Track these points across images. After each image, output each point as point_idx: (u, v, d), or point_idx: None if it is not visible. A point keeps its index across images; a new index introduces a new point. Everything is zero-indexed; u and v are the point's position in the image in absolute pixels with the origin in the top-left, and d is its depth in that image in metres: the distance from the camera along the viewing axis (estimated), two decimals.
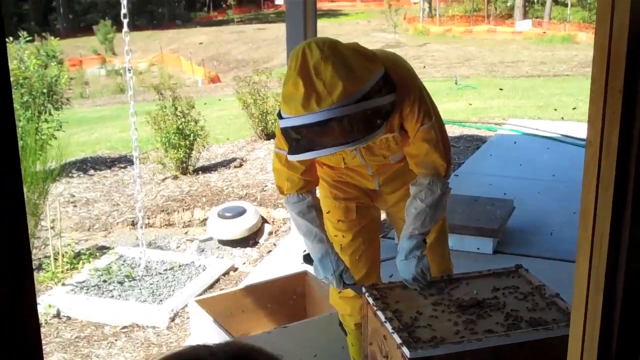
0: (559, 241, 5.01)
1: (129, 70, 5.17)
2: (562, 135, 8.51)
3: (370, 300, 2.64)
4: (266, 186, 7.11)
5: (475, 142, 8.68)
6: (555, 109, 10.99)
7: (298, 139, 2.38)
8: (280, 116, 2.40)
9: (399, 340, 2.33)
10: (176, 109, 7.66)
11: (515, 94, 13.73)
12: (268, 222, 6.44)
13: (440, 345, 2.30)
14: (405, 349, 2.28)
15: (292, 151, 2.43)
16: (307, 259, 2.92)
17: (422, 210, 2.65)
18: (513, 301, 2.60)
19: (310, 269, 3.16)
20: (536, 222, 5.48)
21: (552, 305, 2.56)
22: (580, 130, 8.24)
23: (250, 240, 6.13)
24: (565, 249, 4.75)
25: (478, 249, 4.88)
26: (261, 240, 6.16)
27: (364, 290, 2.73)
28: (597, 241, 1.34)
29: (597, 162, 1.34)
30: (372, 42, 32.96)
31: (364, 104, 2.30)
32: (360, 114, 2.31)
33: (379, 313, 2.53)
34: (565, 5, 41.07)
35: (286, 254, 5.30)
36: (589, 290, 1.34)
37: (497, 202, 5.39)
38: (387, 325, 2.44)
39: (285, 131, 2.41)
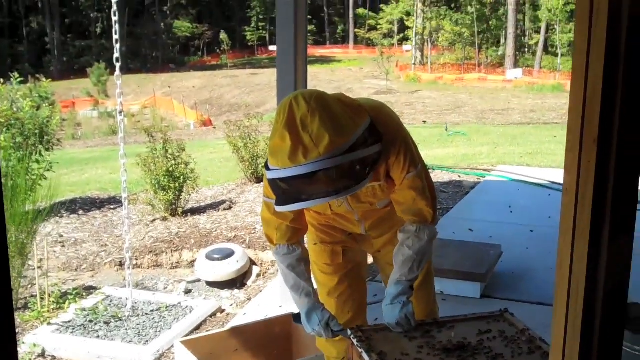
0: (545, 286, 5.03)
1: (120, 112, 5.22)
2: (550, 182, 8.59)
3: (355, 341, 2.65)
4: (255, 228, 7.13)
5: (463, 188, 8.74)
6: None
7: (286, 190, 2.42)
8: (267, 167, 2.44)
9: None
10: (167, 151, 7.71)
11: (505, 141, 13.87)
12: (256, 264, 6.44)
13: None
14: None
15: (280, 202, 2.46)
16: (297, 318, 2.92)
17: (409, 257, 2.69)
18: (498, 345, 2.61)
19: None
20: (524, 267, 5.50)
21: (537, 349, 2.58)
22: None
23: (238, 282, 6.12)
24: (552, 294, 4.77)
25: (465, 293, 4.90)
26: (249, 282, 6.16)
27: (349, 332, 2.74)
28: (574, 290, 1.37)
29: (573, 209, 1.38)
30: (365, 88, 33.29)
31: (351, 155, 2.33)
32: (347, 165, 2.34)
33: (364, 355, 2.54)
34: (556, 55, 41.69)
35: (274, 296, 5.29)
36: (566, 335, 1.36)
37: (485, 247, 5.42)
38: None
39: (273, 182, 2.44)
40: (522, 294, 4.97)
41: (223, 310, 5.43)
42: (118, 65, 4.86)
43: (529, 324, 2.78)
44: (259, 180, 9.16)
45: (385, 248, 2.97)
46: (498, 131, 16.05)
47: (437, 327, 2.77)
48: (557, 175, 8.85)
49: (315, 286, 2.96)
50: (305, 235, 3.01)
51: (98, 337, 4.82)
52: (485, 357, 2.52)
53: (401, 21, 57.46)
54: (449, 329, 2.76)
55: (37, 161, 7.51)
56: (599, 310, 1.34)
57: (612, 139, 1.33)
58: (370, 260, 3.31)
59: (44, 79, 11.83)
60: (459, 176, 9.57)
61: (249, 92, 35.13)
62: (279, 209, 2.49)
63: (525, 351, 2.56)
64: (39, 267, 5.64)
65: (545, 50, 44.53)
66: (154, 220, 7.78)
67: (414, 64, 44.63)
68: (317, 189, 2.36)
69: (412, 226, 2.71)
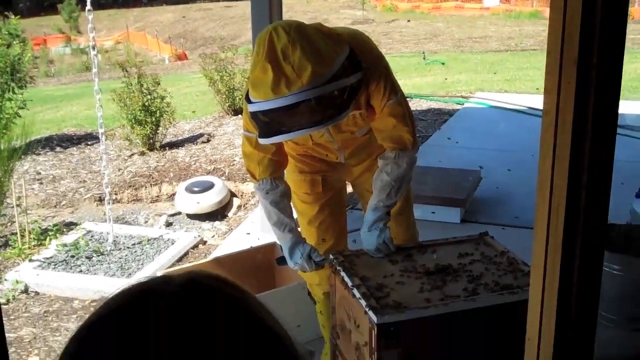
0: (524, 210, 5.10)
1: (93, 48, 5.14)
2: (529, 107, 8.61)
3: (337, 266, 2.68)
4: (234, 161, 7.12)
5: (442, 116, 8.76)
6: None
7: (268, 122, 2.40)
8: (248, 100, 2.41)
9: (366, 306, 2.37)
10: (142, 86, 7.61)
11: (482, 69, 13.83)
12: (236, 196, 6.45)
13: (407, 310, 2.34)
14: (372, 315, 2.32)
15: (263, 135, 2.45)
16: (280, 261, 2.94)
17: (387, 183, 2.71)
18: (478, 267, 2.66)
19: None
20: (502, 191, 5.57)
21: (517, 270, 2.63)
22: None
23: (218, 214, 6.14)
24: (530, 218, 4.84)
25: (445, 218, 4.96)
26: (230, 214, 6.18)
27: (331, 256, 2.78)
28: (555, 207, 1.38)
29: (553, 131, 1.38)
30: (341, 19, 32.85)
31: (333, 84, 2.32)
32: (329, 95, 2.33)
33: (347, 279, 2.57)
34: None
35: (255, 226, 5.33)
36: (547, 253, 1.39)
37: (464, 173, 5.48)
38: (355, 291, 2.48)
39: (254, 115, 2.42)
40: (501, 218, 5.04)
41: (205, 242, 5.47)
42: (89, 0, 4.79)
43: (509, 247, 2.82)
44: (236, 112, 9.10)
45: (363, 175, 2.99)
46: (476, 59, 15.97)
47: (418, 251, 2.81)
48: (535, 101, 8.87)
49: (295, 217, 2.98)
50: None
51: (81, 271, 4.85)
52: (467, 279, 2.56)
53: None
54: (430, 253, 2.80)
55: (10, 99, 7.39)
56: (579, 229, 1.36)
57: (592, 60, 1.33)
58: (349, 189, 3.32)
59: (12, 16, 11.52)
60: (437, 104, 9.57)
61: (224, 25, 34.53)
62: (262, 141, 2.48)
63: (505, 272, 2.61)
64: (17, 205, 5.62)
65: None
66: (132, 154, 7.73)
67: None
68: (300, 120, 2.35)
69: (392, 153, 2.72)
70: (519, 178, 5.83)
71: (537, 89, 9.94)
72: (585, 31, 1.31)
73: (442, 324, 2.38)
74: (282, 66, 2.28)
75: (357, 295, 2.47)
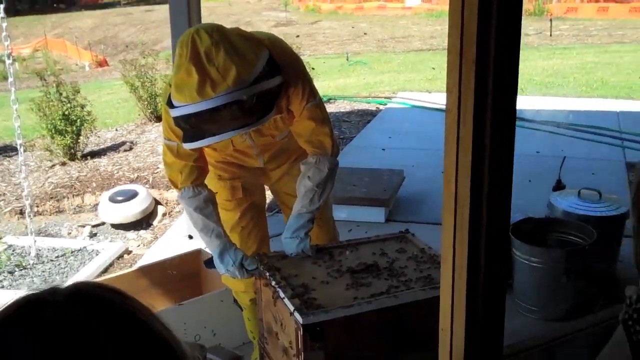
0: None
1: (9, 56, 5.03)
2: None
3: (262, 268, 2.70)
4: (157, 168, 7.05)
5: (366, 116, 8.86)
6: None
7: (194, 126, 2.39)
8: (171, 105, 2.40)
9: (291, 308, 2.39)
10: (61, 94, 7.46)
11: (405, 69, 14.04)
12: (161, 204, 6.39)
13: (332, 309, 2.38)
14: (297, 316, 2.35)
15: (188, 139, 2.44)
16: (209, 263, 2.91)
17: (310, 188, 2.74)
18: (401, 263, 2.72)
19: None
20: (425, 190, 5.68)
21: (437, 265, 2.69)
22: None
23: (143, 222, 6.07)
24: None
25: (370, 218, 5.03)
26: (155, 222, 6.12)
27: (255, 258, 2.80)
28: (460, 200, 1.44)
29: (456, 128, 1.43)
30: (264, 21, 32.81)
31: (257, 87, 2.35)
32: (254, 97, 2.35)
33: (272, 281, 2.59)
34: None
35: (180, 234, 5.30)
36: (455, 245, 1.44)
37: (387, 173, 5.56)
38: (280, 292, 2.51)
39: (180, 119, 2.40)
40: (423, 216, 5.14)
41: (130, 252, 5.40)
42: (2, 6, 4.67)
43: (432, 244, 2.88)
44: (158, 119, 9.00)
45: (282, 179, 3.02)
46: (399, 59, 16.21)
47: (341, 251, 2.85)
48: None
49: None
50: None
51: (2, 287, 4.73)
52: (389, 276, 2.61)
53: None
54: (355, 252, 2.85)
55: None
56: (484, 216, 1.42)
57: (489, 59, 1.38)
58: (269, 195, 3.35)
59: None
60: (360, 105, 9.67)
61: (145, 29, 34.04)
62: (187, 146, 2.47)
63: (426, 267, 2.68)
64: None
65: None
66: (53, 165, 7.57)
67: None
68: (226, 123, 2.36)
69: (313, 158, 2.76)
70: (440, 176, 5.95)
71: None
72: (482, 32, 1.36)
73: (366, 321, 2.43)
74: (207, 68, 2.29)
75: (282, 296, 2.49)
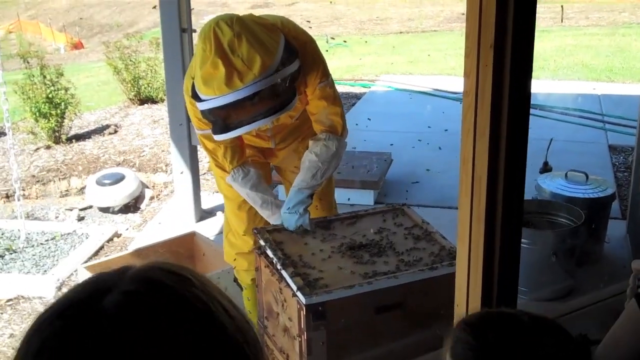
0: (434, 189, 5.28)
1: None
2: (433, 89, 8.85)
3: (263, 242, 2.73)
4: (143, 151, 7.03)
5: (350, 100, 8.87)
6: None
7: (223, 118, 2.45)
8: (198, 99, 2.44)
9: (294, 287, 2.43)
10: (44, 77, 7.40)
11: (386, 51, 14.05)
12: (149, 187, 6.39)
13: (334, 290, 2.43)
14: (300, 296, 2.39)
15: (218, 131, 2.50)
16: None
17: (314, 163, 2.78)
18: (400, 240, 2.76)
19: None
20: (413, 172, 5.73)
21: (434, 241, 2.75)
22: (450, 83, 8.61)
23: (131, 206, 6.06)
24: (441, 197, 5.02)
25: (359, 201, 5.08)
26: (143, 206, 6.11)
27: (254, 231, 2.83)
28: (477, 182, 1.48)
29: (473, 111, 1.48)
30: (240, 2, 32.61)
31: (281, 73, 2.42)
32: (279, 84, 2.43)
33: (274, 259, 2.62)
34: None
35: (170, 217, 5.31)
36: (472, 223, 1.49)
37: (375, 155, 5.60)
38: (283, 272, 2.54)
39: (209, 112, 2.47)
40: (412, 198, 5.19)
41: (119, 235, 5.40)
42: None
43: None
44: (142, 102, 8.96)
45: (289, 156, 3.06)
46: (378, 41, 16.21)
47: (340, 222, 2.89)
48: (439, 82, 9.11)
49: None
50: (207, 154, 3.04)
51: None
52: (390, 253, 2.66)
53: None
54: (353, 226, 2.88)
55: None
56: (500, 198, 1.47)
57: (507, 44, 1.43)
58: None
59: None
60: (344, 88, 9.68)
61: (120, 11, 33.67)
62: (219, 137, 2.53)
63: (426, 244, 2.73)
64: None
65: None
66: (38, 149, 7.51)
67: None
68: (255, 112, 2.43)
69: (323, 134, 2.80)
70: (428, 159, 6.01)
71: (454, 68, 10.18)
72: (500, 17, 1.41)
73: (368, 301, 2.48)
74: (232, 60, 2.35)
75: (285, 275, 2.53)
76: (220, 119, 2.47)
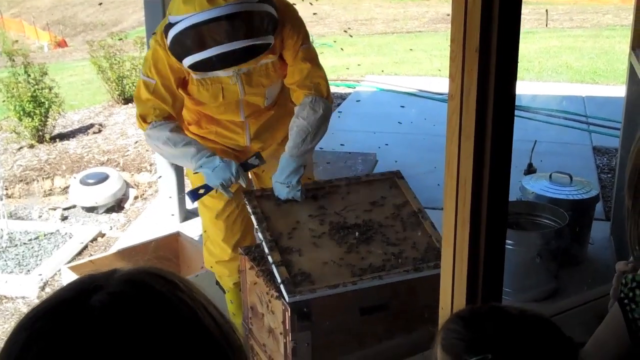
0: (419, 190, 5.27)
1: None
2: (418, 90, 8.86)
3: (250, 209, 2.72)
4: (127, 151, 7.00)
5: (335, 100, 8.87)
6: None
7: (198, 43, 2.43)
8: (171, 24, 2.44)
9: (278, 279, 2.43)
10: (29, 75, 7.35)
11: (371, 51, 14.06)
12: (133, 187, 6.36)
13: (318, 289, 2.42)
14: (284, 292, 2.39)
15: (191, 51, 2.46)
16: (194, 194, 2.84)
17: (304, 128, 2.75)
18: (387, 218, 2.77)
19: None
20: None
21: (422, 219, 2.79)
22: (435, 84, 8.63)
23: (115, 205, 6.04)
24: (426, 198, 5.01)
25: None
26: (127, 205, 6.09)
27: (243, 196, 2.80)
28: (462, 184, 1.49)
29: (458, 114, 1.48)
30: None
31: (263, 4, 2.44)
32: (258, 14, 2.44)
33: (260, 236, 2.62)
34: None
35: (155, 217, 5.29)
36: (457, 226, 1.49)
37: (360, 156, 5.61)
38: (268, 257, 2.54)
39: (186, 32, 2.43)
40: None
41: (103, 235, 5.38)
42: None
43: None
44: (126, 101, 8.91)
45: (268, 162, 3.01)
46: (363, 41, 16.22)
47: (330, 193, 2.86)
48: (424, 83, 9.12)
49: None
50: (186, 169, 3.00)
51: None
52: (378, 241, 2.65)
53: None
54: (341, 199, 2.84)
55: None
56: (484, 200, 1.47)
57: (492, 48, 1.43)
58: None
59: None
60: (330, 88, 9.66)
61: (104, 9, 33.51)
62: (192, 58, 2.47)
63: (410, 231, 2.73)
64: None
65: None
66: (21, 148, 7.46)
67: None
68: (232, 36, 2.41)
69: (308, 97, 2.76)
70: (412, 159, 6.01)
71: (439, 70, 10.20)
72: (485, 21, 1.41)
73: (352, 301, 2.48)
74: None
75: (269, 260, 2.52)
76: (195, 43, 2.44)
